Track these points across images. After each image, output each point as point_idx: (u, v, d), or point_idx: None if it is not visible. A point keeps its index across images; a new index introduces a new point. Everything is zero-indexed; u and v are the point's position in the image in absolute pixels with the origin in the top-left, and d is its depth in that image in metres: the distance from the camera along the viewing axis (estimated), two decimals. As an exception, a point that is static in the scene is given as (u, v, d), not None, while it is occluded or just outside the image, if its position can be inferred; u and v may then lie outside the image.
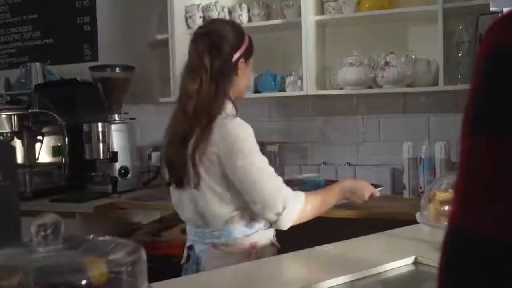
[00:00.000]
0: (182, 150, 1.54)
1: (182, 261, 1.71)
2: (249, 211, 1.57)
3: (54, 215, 0.74)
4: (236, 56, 1.59)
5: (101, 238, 0.83)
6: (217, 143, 1.51)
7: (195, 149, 1.51)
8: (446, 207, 1.46)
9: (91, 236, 0.82)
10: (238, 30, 1.64)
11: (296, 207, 1.53)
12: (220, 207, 1.55)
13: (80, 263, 0.74)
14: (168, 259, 2.29)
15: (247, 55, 1.63)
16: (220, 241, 1.58)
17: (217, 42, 1.56)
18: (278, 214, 1.51)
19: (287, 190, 1.56)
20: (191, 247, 1.67)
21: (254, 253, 1.59)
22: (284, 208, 1.51)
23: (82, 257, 0.76)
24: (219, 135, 1.51)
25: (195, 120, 1.53)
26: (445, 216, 1.45)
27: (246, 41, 1.63)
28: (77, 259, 0.75)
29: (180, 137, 1.55)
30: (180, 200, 1.64)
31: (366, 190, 1.79)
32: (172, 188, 1.67)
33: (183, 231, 2.50)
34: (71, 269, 0.73)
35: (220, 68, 1.55)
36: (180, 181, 1.57)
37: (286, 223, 1.54)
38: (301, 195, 1.57)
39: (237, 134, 1.53)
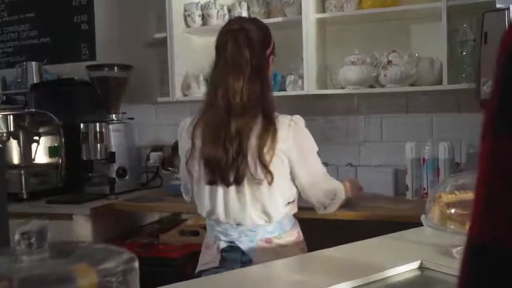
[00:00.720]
0: (241, 148, 1.52)
1: (204, 268, 1.65)
2: (295, 203, 1.67)
3: (40, 221, 0.69)
4: (268, 52, 1.64)
5: (91, 245, 0.79)
6: (286, 140, 1.55)
7: (262, 147, 1.52)
8: (453, 210, 1.42)
9: (81, 242, 0.79)
10: (266, 27, 1.68)
11: (342, 195, 1.73)
12: (281, 201, 1.61)
13: (68, 271, 0.69)
14: (167, 262, 2.26)
15: (274, 52, 1.69)
16: (274, 235, 1.62)
17: (253, 38, 1.59)
18: (332, 199, 1.69)
19: (333, 178, 1.75)
20: (229, 249, 1.63)
21: (300, 243, 1.68)
22: (335, 195, 1.70)
23: (71, 265, 0.71)
24: (287, 132, 1.55)
25: (248, 117, 1.53)
26: (451, 219, 1.41)
27: (272, 39, 1.68)
28: (64, 267, 0.71)
29: (230, 136, 1.53)
30: (230, 199, 1.59)
31: (357, 186, 2.03)
32: (208, 188, 1.61)
33: (182, 233, 2.48)
34: (58, 278, 0.68)
35: (259, 63, 1.58)
36: (240, 180, 1.55)
37: (334, 208, 1.72)
38: (341, 184, 1.75)
39: (305, 130, 1.62)
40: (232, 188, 1.57)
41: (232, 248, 1.62)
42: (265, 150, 1.52)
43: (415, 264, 1.30)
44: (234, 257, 1.61)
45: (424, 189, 2.38)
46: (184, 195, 1.81)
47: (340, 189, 1.73)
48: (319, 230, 1.78)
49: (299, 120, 1.61)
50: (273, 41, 1.68)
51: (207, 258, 1.66)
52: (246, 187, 1.56)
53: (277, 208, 1.60)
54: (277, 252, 1.59)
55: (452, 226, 1.38)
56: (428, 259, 1.31)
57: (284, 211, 1.63)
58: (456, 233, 1.34)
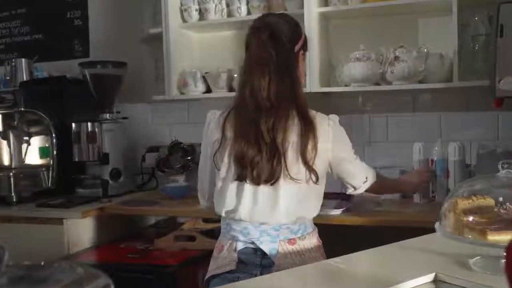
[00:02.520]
0: (276, 147, 1.51)
1: (217, 272, 1.58)
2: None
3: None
4: (296, 47, 1.62)
5: (62, 267, 0.68)
6: (327, 139, 1.57)
7: (305, 146, 1.52)
8: (470, 218, 1.30)
9: (50, 263, 0.67)
10: (294, 22, 1.66)
11: (374, 177, 1.78)
12: (317, 202, 1.63)
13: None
14: (161, 269, 2.16)
15: (305, 47, 1.68)
16: (297, 235, 1.60)
17: (278, 34, 1.58)
18: (364, 182, 1.73)
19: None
20: (248, 250, 1.57)
21: (320, 247, 1.67)
22: (366, 178, 1.74)
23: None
24: (327, 132, 1.57)
25: (278, 115, 1.52)
26: (469, 228, 1.30)
27: (303, 33, 1.67)
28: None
29: (262, 134, 1.51)
30: (260, 198, 1.55)
31: (419, 173, 2.17)
32: (235, 185, 1.57)
33: (178, 238, 2.38)
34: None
35: (286, 59, 1.57)
36: (272, 179, 1.52)
37: (361, 190, 1.76)
38: (373, 170, 1.80)
39: (342, 129, 1.64)
40: (264, 187, 1.54)
41: (251, 249, 1.57)
42: (309, 148, 1.52)
43: (429, 277, 1.21)
44: (253, 260, 1.56)
45: (433, 192, 2.29)
46: (200, 200, 1.76)
47: (372, 173, 1.77)
48: (320, 236, 1.69)
49: (336, 118, 1.64)
50: (304, 36, 1.67)
51: (221, 261, 1.59)
52: (282, 187, 1.53)
53: (311, 208, 1.62)
54: (301, 254, 1.57)
55: (470, 236, 1.27)
56: (443, 271, 1.22)
57: (316, 211, 1.64)
58: (475, 244, 1.24)
